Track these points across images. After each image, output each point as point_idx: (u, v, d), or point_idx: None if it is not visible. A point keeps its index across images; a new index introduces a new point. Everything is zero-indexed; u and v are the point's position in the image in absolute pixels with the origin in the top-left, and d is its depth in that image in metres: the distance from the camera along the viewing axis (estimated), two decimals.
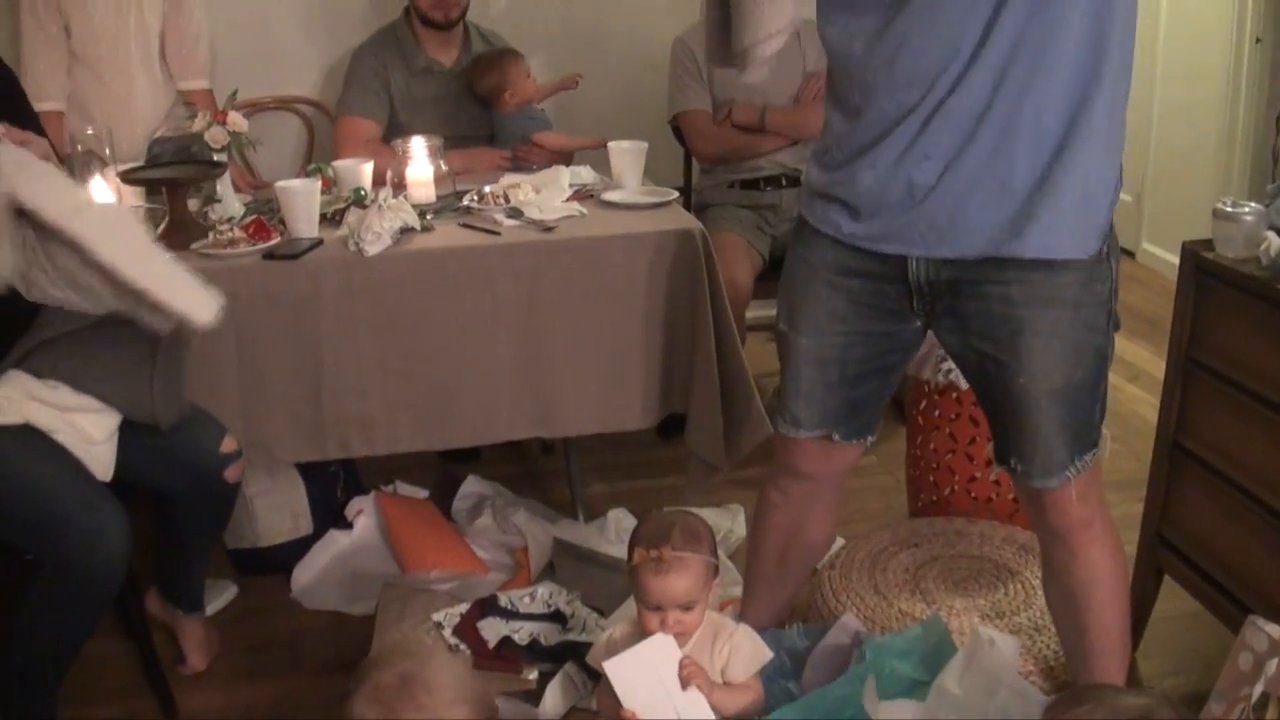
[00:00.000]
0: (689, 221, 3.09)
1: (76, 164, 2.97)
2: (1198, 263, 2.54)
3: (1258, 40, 4.94)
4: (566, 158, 3.85)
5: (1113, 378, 2.09)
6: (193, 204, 3.15)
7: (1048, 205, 1.91)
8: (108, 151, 3.13)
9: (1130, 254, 5.87)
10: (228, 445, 2.66)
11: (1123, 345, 4.41)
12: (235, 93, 3.44)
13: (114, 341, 2.44)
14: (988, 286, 1.98)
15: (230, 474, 2.66)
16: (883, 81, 1.93)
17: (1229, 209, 2.49)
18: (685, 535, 2.25)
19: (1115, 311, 2.03)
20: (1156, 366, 2.76)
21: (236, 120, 3.27)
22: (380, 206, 2.92)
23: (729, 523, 3.35)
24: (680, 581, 2.21)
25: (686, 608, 2.23)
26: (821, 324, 2.14)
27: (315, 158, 4.36)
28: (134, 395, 2.49)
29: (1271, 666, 2.03)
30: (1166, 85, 5.61)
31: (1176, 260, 2.61)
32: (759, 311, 3.95)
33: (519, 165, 3.79)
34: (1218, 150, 5.25)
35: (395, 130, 3.86)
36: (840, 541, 2.98)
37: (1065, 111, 1.88)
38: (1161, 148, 5.71)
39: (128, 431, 2.53)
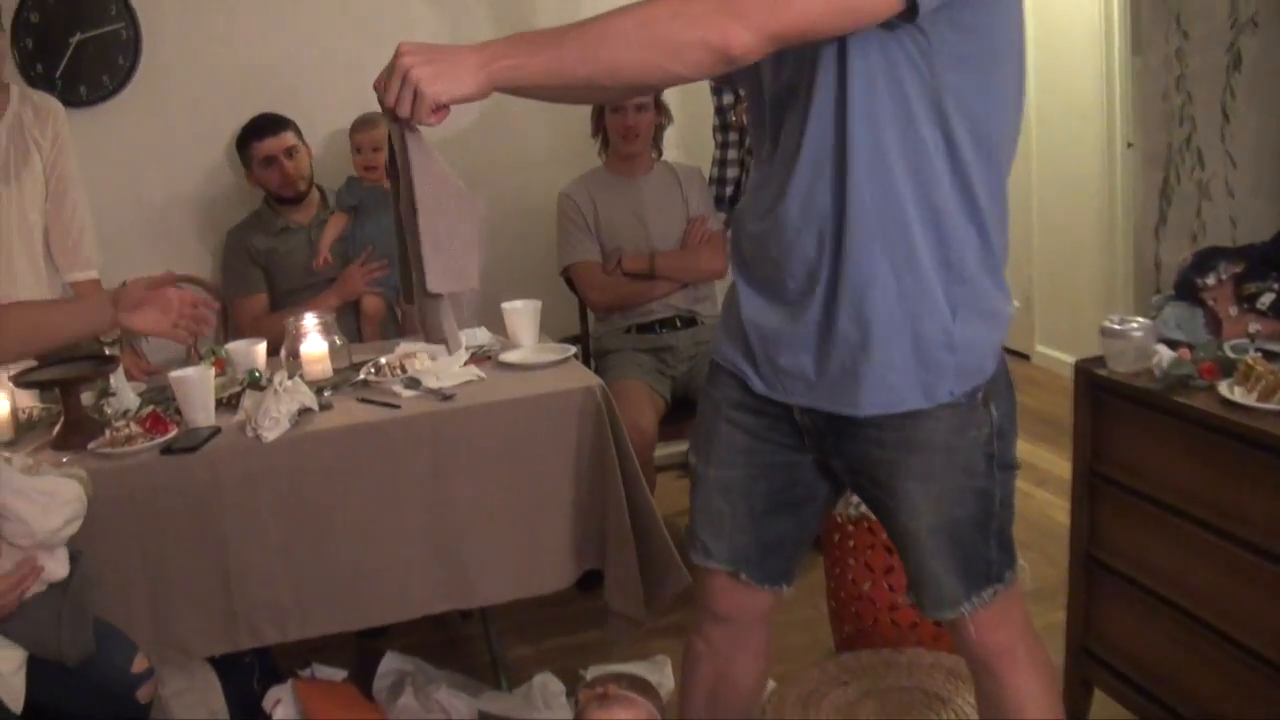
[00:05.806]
0: (588, 378, 3.08)
1: None
2: (1092, 379, 2.59)
3: (1129, 145, 5.08)
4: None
5: (1020, 484, 2.08)
6: (87, 398, 3.09)
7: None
8: None
9: (1025, 357, 5.97)
10: (139, 664, 2.55)
11: (1027, 449, 4.45)
12: (125, 284, 3.38)
13: None
14: (862, 429, 1.98)
15: (143, 694, 2.55)
16: None
17: (1117, 326, 2.53)
18: (633, 682, 2.26)
19: (1001, 453, 1.99)
20: (1062, 469, 2.78)
21: None
22: (276, 390, 2.89)
23: (656, 675, 3.29)
24: (624, 714, 2.18)
25: None
26: (725, 456, 2.15)
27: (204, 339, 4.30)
28: (41, 633, 2.39)
29: None
30: (1044, 192, 5.76)
31: (1070, 360, 2.65)
32: (666, 450, 3.94)
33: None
34: (1099, 253, 5.39)
35: (274, 291, 4.04)
36: (771, 684, 2.94)
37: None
38: (1046, 252, 5.84)
39: (36, 660, 2.42)
